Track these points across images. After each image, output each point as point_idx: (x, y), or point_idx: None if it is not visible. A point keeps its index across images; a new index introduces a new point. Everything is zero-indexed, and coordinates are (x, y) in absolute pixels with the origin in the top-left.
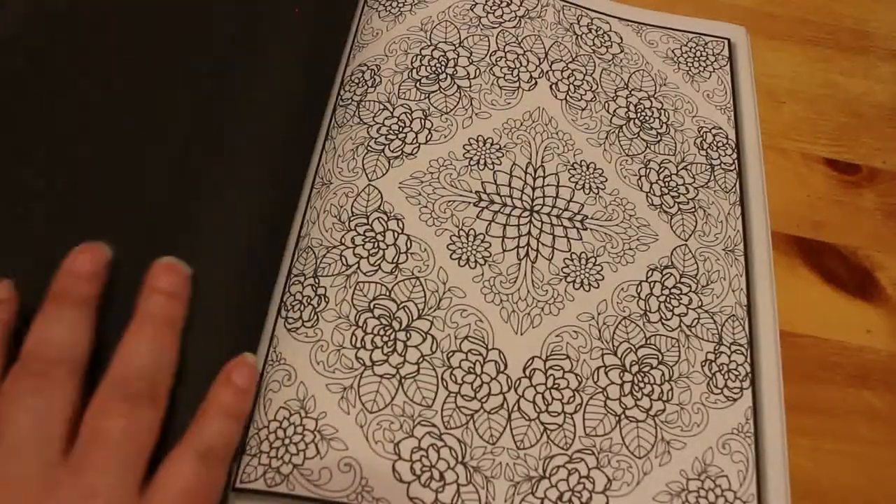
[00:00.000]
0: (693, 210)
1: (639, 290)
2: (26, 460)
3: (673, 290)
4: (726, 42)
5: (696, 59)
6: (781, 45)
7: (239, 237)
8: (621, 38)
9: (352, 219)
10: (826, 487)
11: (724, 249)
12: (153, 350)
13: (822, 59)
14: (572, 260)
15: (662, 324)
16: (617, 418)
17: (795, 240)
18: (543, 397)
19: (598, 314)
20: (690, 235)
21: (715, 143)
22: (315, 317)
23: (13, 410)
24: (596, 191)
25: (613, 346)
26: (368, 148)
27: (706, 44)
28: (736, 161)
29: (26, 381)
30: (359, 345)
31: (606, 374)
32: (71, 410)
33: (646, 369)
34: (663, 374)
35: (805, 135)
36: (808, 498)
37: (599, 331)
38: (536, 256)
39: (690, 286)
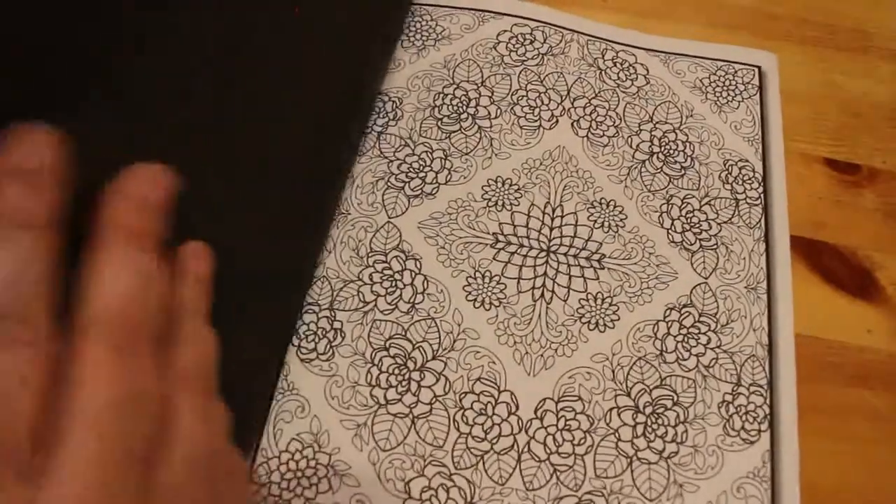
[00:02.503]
0: (715, 247)
1: (655, 330)
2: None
3: (691, 330)
4: (757, 70)
5: (725, 88)
6: (781, 45)
7: (256, 254)
8: (647, 70)
9: (370, 255)
10: (826, 487)
11: (746, 287)
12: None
13: (822, 59)
14: (588, 300)
15: (679, 364)
16: (629, 460)
17: (795, 240)
18: (554, 438)
19: (613, 355)
20: (711, 273)
21: (741, 176)
22: (331, 351)
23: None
24: (615, 229)
25: (627, 387)
26: (389, 184)
27: (736, 72)
28: (762, 195)
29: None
30: (374, 382)
31: (619, 415)
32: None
33: (660, 410)
34: (678, 416)
35: (805, 135)
36: (808, 497)
37: (613, 372)
38: (552, 297)
39: (709, 325)
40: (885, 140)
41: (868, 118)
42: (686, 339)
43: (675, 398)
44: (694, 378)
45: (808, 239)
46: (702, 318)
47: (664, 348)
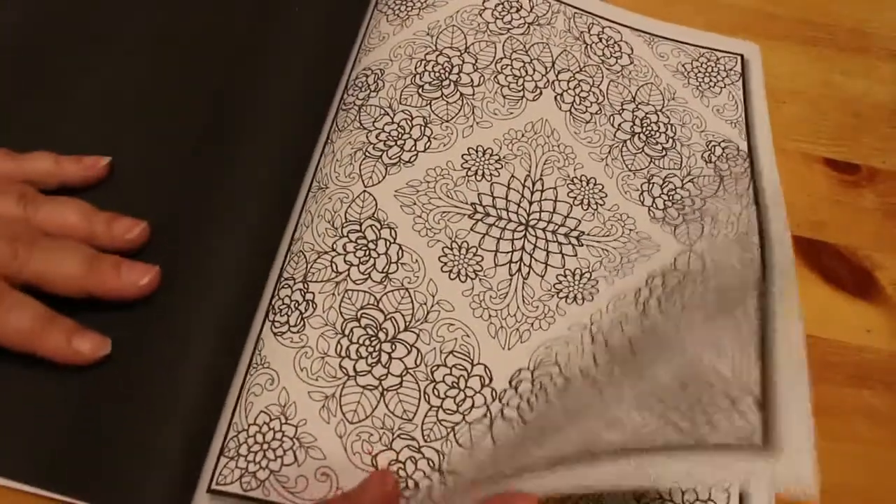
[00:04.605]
0: (699, 219)
1: (637, 296)
2: None
3: (675, 287)
4: (739, 58)
5: (707, 74)
6: (781, 45)
7: (235, 237)
8: (632, 49)
9: (345, 225)
10: (825, 487)
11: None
12: None
13: (822, 59)
14: (565, 276)
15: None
16: None
17: (795, 240)
18: (528, 402)
19: (592, 323)
20: (697, 240)
21: (724, 154)
22: (302, 322)
23: None
24: (595, 206)
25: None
26: (366, 153)
27: (718, 59)
28: (748, 168)
29: None
30: (343, 354)
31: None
32: None
33: None
34: None
35: (805, 135)
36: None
37: (593, 336)
38: (529, 272)
39: (696, 281)
40: (885, 140)
41: (868, 118)
42: (671, 296)
43: None
44: None
45: (807, 239)
46: (686, 278)
47: (647, 308)
